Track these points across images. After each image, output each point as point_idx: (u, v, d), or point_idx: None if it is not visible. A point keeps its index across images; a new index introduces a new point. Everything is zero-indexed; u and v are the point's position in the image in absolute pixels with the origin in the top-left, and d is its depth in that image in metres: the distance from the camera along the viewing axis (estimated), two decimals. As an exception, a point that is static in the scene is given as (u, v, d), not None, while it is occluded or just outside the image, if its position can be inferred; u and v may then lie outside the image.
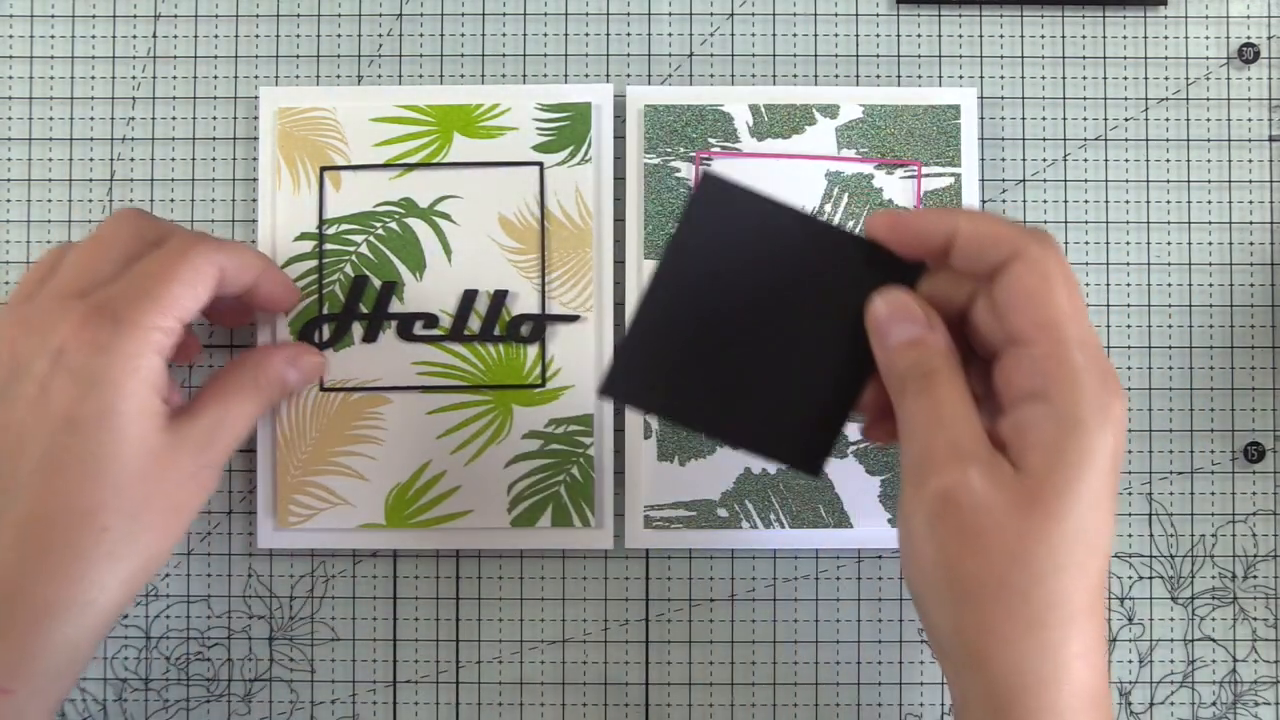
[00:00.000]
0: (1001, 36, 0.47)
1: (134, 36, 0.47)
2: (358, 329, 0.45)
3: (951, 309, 0.36)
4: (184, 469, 0.38)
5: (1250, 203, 0.46)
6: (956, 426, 0.34)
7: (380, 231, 0.45)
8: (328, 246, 0.45)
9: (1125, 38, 0.47)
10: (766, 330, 0.37)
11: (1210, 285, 0.46)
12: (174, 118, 0.47)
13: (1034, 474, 0.33)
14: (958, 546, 0.33)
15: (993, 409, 0.35)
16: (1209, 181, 0.47)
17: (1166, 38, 0.47)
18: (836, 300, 0.36)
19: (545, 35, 0.47)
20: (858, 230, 0.36)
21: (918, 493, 0.34)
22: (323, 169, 0.45)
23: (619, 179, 0.46)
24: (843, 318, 0.36)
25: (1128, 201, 0.46)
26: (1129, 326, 0.46)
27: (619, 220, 0.46)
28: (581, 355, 0.45)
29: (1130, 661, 0.46)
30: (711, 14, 0.47)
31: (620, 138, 0.46)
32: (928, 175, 0.45)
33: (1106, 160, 0.47)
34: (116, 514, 0.36)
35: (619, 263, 0.46)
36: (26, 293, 0.39)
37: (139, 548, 0.37)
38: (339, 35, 0.47)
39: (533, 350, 0.45)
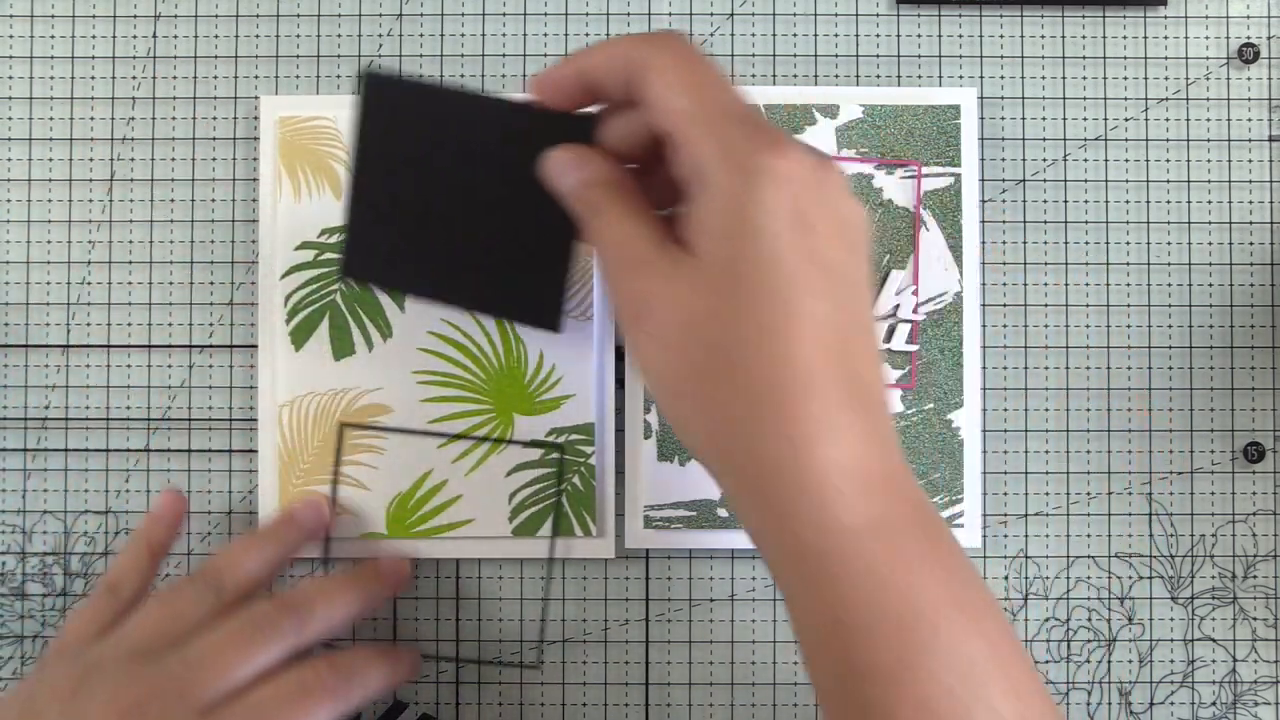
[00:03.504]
0: (1001, 36, 0.47)
1: (134, 36, 0.47)
2: (359, 339, 0.45)
3: (647, 143, 0.35)
4: None
5: (1250, 203, 0.46)
6: (625, 244, 0.33)
7: (380, 232, 0.45)
8: (329, 255, 0.45)
9: (1125, 38, 0.47)
10: (478, 203, 0.39)
11: (1210, 285, 0.46)
12: (174, 118, 0.47)
13: (702, 256, 0.32)
14: (655, 351, 0.32)
15: None
16: (1209, 181, 0.47)
17: (1166, 38, 0.47)
18: (531, 166, 0.38)
19: (545, 35, 0.47)
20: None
21: (618, 315, 0.34)
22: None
23: (619, 179, 0.46)
24: (540, 181, 0.38)
25: (1128, 201, 0.46)
26: (1129, 326, 0.46)
27: (619, 220, 0.46)
28: (582, 364, 0.45)
29: (1130, 661, 0.46)
30: (711, 14, 0.47)
31: (620, 138, 0.46)
32: (928, 175, 0.45)
33: (1106, 160, 0.47)
34: None
35: (619, 263, 0.46)
36: (140, 645, 0.38)
37: None
38: (339, 35, 0.47)
39: (533, 360, 0.45)
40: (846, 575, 0.31)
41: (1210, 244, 0.46)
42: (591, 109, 0.37)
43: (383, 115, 0.39)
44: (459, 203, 0.39)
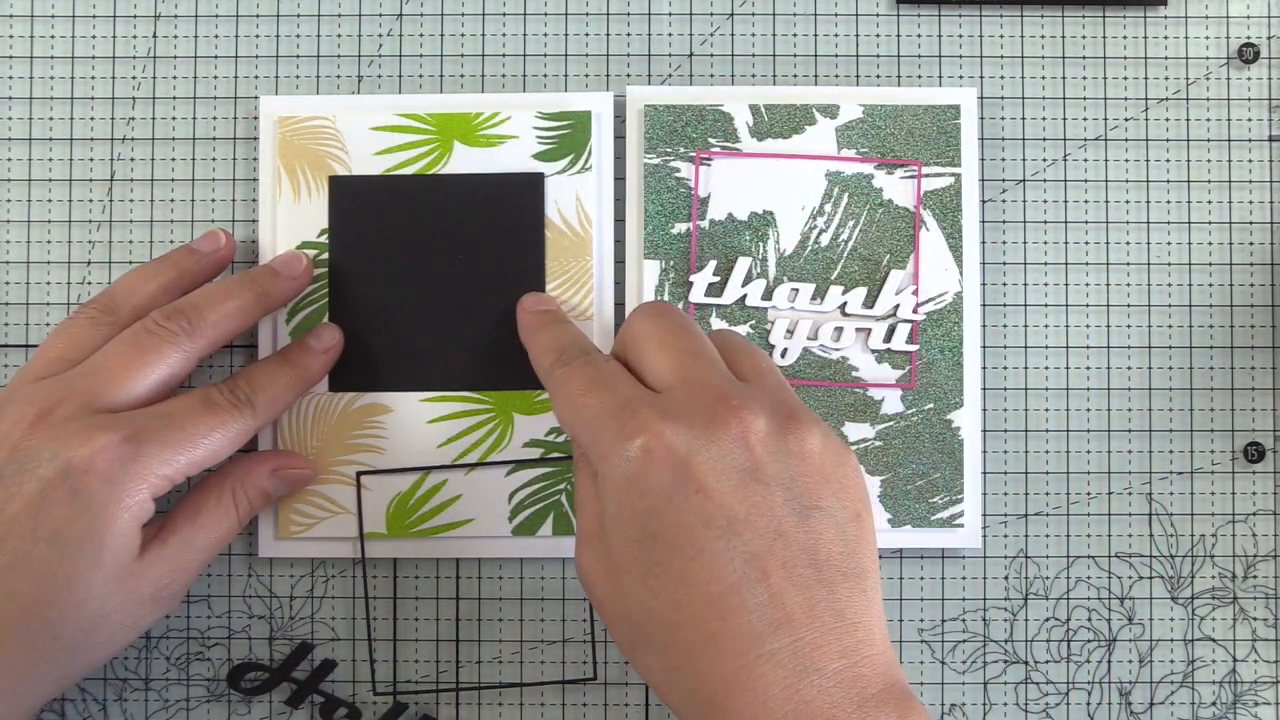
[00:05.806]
0: (1001, 36, 0.47)
1: (134, 36, 0.47)
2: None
3: None
4: (144, 594, 0.39)
5: (1250, 203, 0.46)
6: (581, 520, 0.37)
7: (380, 232, 0.45)
8: (328, 256, 0.45)
9: (1125, 38, 0.47)
10: (447, 285, 0.44)
11: (1210, 285, 0.46)
12: (174, 118, 0.47)
13: (610, 542, 0.35)
14: (603, 617, 0.36)
15: None
16: (1209, 181, 0.47)
17: (1166, 38, 0.47)
18: (489, 232, 0.44)
19: (545, 35, 0.47)
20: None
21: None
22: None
23: (619, 179, 0.46)
24: (515, 248, 0.44)
25: (1128, 201, 0.47)
26: (1129, 326, 0.46)
27: (619, 220, 0.46)
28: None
29: (1130, 661, 0.46)
30: (711, 14, 0.47)
31: (620, 138, 0.46)
32: (928, 175, 0.45)
33: (1106, 160, 0.47)
34: (72, 626, 0.38)
35: (619, 263, 0.46)
36: (42, 372, 0.40)
37: (84, 657, 0.39)
38: (339, 35, 0.47)
39: None
40: None
41: (1210, 244, 0.46)
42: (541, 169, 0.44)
43: (350, 211, 0.44)
44: (430, 289, 0.44)
